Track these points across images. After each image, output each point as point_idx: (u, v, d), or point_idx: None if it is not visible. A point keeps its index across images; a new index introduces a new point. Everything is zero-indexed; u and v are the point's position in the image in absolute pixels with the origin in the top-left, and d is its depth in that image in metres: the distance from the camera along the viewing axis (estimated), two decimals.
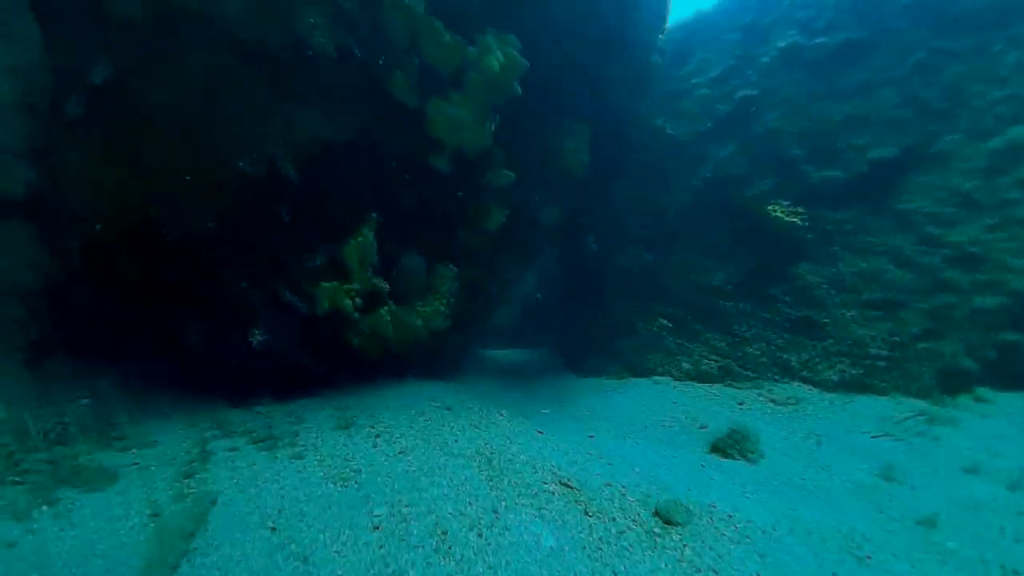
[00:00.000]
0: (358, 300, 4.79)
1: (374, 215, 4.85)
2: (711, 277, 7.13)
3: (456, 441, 4.25)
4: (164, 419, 4.95)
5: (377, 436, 4.25)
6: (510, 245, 6.35)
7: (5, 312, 5.26)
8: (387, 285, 5.00)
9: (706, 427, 5.92)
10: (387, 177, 5.02)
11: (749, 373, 6.76)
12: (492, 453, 4.04)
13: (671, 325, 7.14)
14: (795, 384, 6.73)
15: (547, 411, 6.24)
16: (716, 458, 5.33)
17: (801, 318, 6.84)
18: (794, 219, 7.01)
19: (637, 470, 4.31)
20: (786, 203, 7.15)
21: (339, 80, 4.42)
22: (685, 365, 6.95)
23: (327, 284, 4.61)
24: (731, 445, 5.40)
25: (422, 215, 5.34)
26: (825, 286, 6.91)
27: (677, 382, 6.89)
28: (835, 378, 6.69)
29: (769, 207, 7.09)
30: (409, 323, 5.19)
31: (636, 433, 5.83)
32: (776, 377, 6.74)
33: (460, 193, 5.48)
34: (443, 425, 4.63)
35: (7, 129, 5.27)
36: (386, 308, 5.01)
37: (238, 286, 4.48)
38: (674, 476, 4.30)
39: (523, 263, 6.92)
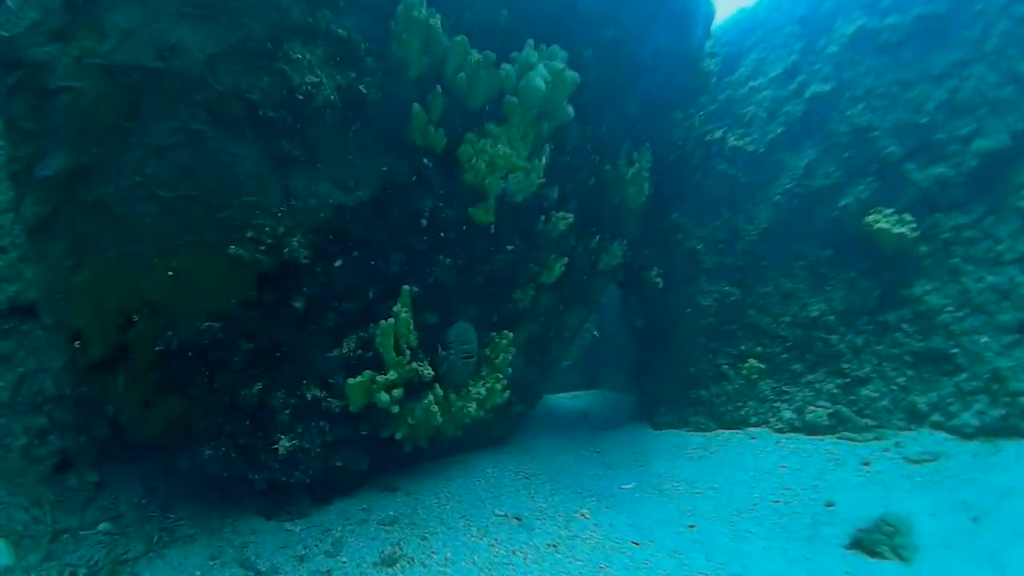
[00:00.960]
0: (396, 392, 3.60)
1: (407, 287, 3.65)
2: (808, 307, 5.64)
3: None
4: (187, 543, 3.92)
5: None
6: (570, 296, 5.07)
7: (27, 423, 4.45)
8: (431, 369, 3.79)
9: (833, 504, 4.43)
10: (419, 238, 3.83)
11: (868, 420, 5.23)
12: None
13: (763, 366, 5.67)
14: (926, 431, 5.16)
15: (630, 485, 4.89)
16: (861, 558, 3.91)
17: (925, 349, 5.27)
18: (903, 229, 5.44)
19: None
20: (889, 211, 5.57)
21: (345, 129, 3.27)
22: (786, 414, 5.46)
23: (354, 381, 3.45)
24: (880, 541, 3.91)
25: (466, 278, 4.12)
26: (950, 308, 5.32)
27: (779, 435, 5.42)
28: (975, 422, 5.08)
29: (870, 218, 5.56)
30: (462, 409, 3.96)
31: (745, 517, 4.41)
32: (901, 424, 5.19)
33: (509, 247, 4.22)
34: (514, 551, 3.37)
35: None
36: (433, 396, 3.79)
37: (251, 390, 3.34)
38: None
39: (585, 313, 5.60)
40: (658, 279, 6.26)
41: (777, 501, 4.59)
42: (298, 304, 3.29)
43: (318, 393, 3.57)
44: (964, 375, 5.23)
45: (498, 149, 3.86)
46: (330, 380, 3.59)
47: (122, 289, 3.06)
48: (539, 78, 3.67)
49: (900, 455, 4.97)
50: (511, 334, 4.35)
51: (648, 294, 6.38)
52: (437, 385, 3.86)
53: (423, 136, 3.65)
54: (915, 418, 5.19)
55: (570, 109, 4.02)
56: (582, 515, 3.92)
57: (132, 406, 3.35)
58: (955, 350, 5.25)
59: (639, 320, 6.62)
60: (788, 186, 6.04)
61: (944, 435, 5.13)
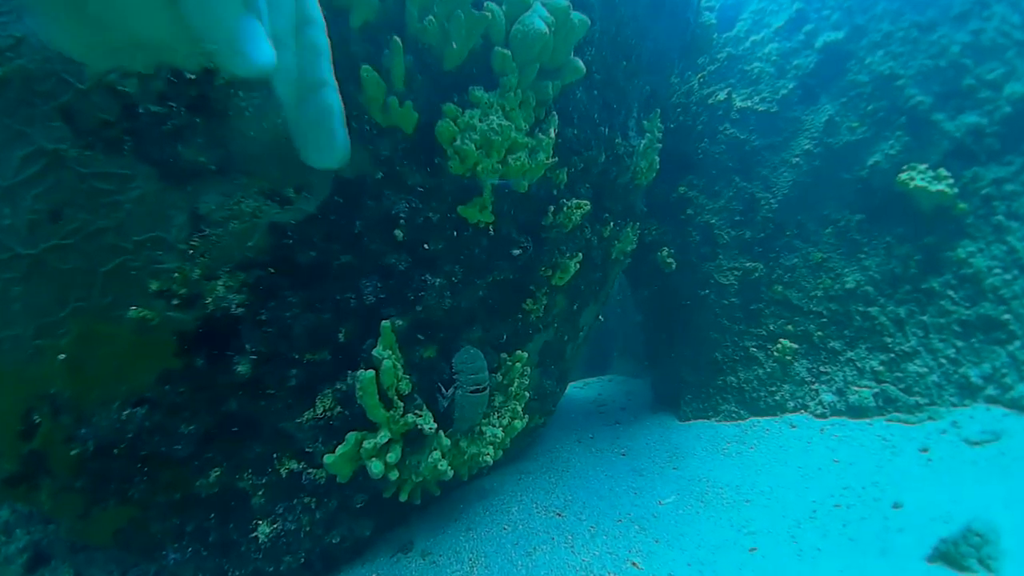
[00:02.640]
0: (392, 456, 2.57)
1: (387, 323, 2.57)
2: (842, 279, 4.65)
3: None
4: None
5: None
6: (584, 293, 4.01)
7: None
8: (432, 421, 2.75)
9: (901, 505, 3.55)
10: (397, 255, 2.72)
11: (918, 399, 4.32)
12: None
13: (797, 346, 4.72)
14: (981, 407, 4.29)
15: (671, 498, 3.97)
16: (948, 572, 3.01)
17: (975, 317, 4.34)
18: (941, 187, 4.41)
19: None
20: (923, 167, 4.52)
21: (270, 115, 2.10)
22: (827, 396, 4.54)
23: (332, 458, 2.42)
24: (968, 553, 3.03)
25: (465, 295, 3.04)
26: (998, 270, 4.36)
27: (822, 421, 4.51)
28: None
29: (904, 175, 4.52)
30: (476, 456, 2.96)
31: (807, 528, 3.52)
32: (954, 400, 4.29)
33: (516, 250, 3.13)
34: None
35: None
36: (439, 450, 2.76)
37: (208, 479, 2.30)
38: None
39: (598, 308, 4.56)
40: (670, 260, 5.21)
41: (838, 505, 3.69)
42: (242, 368, 2.21)
43: (295, 466, 2.56)
44: (1018, 343, 4.31)
45: (491, 122, 2.65)
46: (307, 449, 2.56)
47: (10, 388, 1.98)
48: (539, 20, 2.48)
49: (959, 437, 4.09)
50: (525, 354, 3.32)
51: (660, 276, 5.34)
52: (442, 434, 2.85)
53: (384, 113, 2.44)
54: (968, 393, 4.29)
55: (580, 64, 2.86)
56: (634, 565, 2.99)
57: (67, 521, 2.31)
58: (1006, 316, 4.31)
59: (649, 304, 5.60)
60: (807, 146, 4.95)
61: (1001, 409, 4.25)
